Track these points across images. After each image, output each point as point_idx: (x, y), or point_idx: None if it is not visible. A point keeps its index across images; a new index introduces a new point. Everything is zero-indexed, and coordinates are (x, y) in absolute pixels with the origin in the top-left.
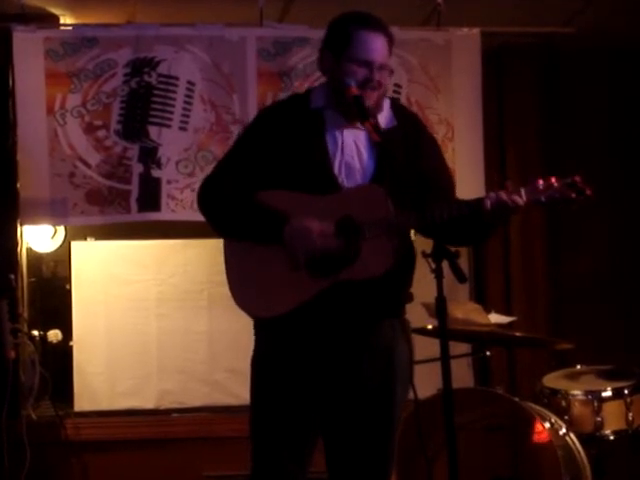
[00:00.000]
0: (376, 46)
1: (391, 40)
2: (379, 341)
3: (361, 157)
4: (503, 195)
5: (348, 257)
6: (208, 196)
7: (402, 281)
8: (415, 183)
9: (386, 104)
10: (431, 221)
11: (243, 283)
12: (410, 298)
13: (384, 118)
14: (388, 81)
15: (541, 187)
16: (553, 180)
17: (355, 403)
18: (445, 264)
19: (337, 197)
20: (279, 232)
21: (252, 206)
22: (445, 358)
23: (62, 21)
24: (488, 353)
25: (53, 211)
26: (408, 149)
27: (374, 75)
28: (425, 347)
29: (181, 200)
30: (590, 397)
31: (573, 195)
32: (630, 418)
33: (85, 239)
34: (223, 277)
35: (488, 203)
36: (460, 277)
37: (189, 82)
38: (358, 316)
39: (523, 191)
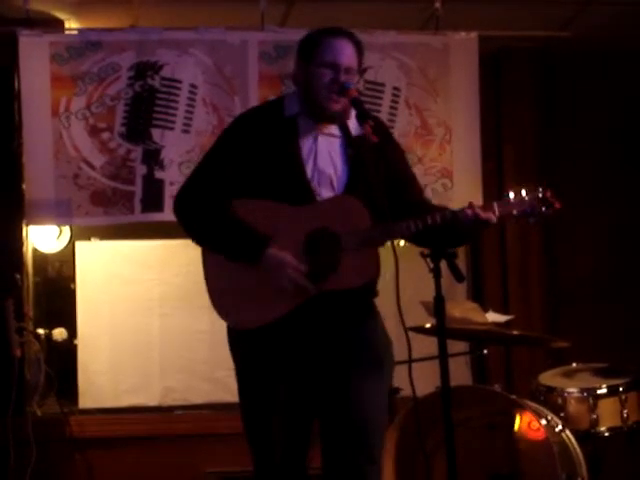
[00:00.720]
0: (342, 50)
1: (360, 49)
2: (360, 335)
3: (335, 164)
4: (477, 210)
5: (327, 269)
6: (185, 208)
7: (372, 285)
8: (385, 189)
9: (353, 111)
10: (407, 233)
11: (224, 293)
12: (376, 293)
13: (353, 125)
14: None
15: (513, 201)
16: (523, 193)
17: (347, 404)
18: (443, 264)
19: (313, 208)
20: (256, 259)
21: (230, 225)
22: (443, 356)
23: (67, 26)
24: (485, 351)
25: (58, 212)
26: (377, 156)
27: (340, 77)
28: (423, 346)
29: None
30: (585, 394)
31: (543, 209)
32: (625, 415)
33: (89, 239)
34: None
35: (464, 216)
36: (458, 276)
37: (192, 85)
38: (335, 325)
39: (496, 205)
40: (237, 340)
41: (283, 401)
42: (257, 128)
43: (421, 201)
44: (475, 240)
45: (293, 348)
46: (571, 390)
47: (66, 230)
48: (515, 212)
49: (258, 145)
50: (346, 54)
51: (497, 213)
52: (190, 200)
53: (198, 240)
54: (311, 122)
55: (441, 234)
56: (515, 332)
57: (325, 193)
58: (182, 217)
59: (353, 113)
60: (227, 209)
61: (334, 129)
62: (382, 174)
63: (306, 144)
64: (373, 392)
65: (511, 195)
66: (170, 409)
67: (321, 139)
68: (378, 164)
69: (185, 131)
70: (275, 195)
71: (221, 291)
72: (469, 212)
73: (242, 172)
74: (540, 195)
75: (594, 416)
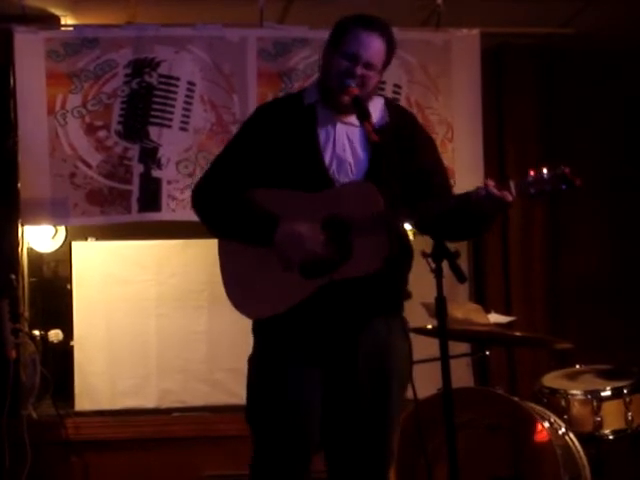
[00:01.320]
0: (367, 43)
1: (390, 44)
2: (374, 339)
3: (354, 151)
4: (493, 189)
5: (340, 257)
6: (203, 197)
7: (396, 278)
8: (408, 180)
9: (379, 102)
10: (422, 216)
11: (237, 283)
12: (408, 295)
13: (376, 116)
14: (374, 81)
15: (531, 180)
16: (544, 171)
17: (352, 402)
18: (445, 264)
19: (328, 194)
20: (270, 236)
21: (244, 208)
22: (445, 358)
23: (63, 22)
24: (487, 353)
25: (54, 211)
26: (401, 146)
27: (356, 69)
28: (425, 347)
29: (181, 200)
30: (589, 397)
31: (563, 186)
32: (629, 418)
33: (86, 239)
34: None
35: (477, 197)
36: (460, 277)
37: (189, 82)
38: (352, 314)
39: (512, 184)
40: (256, 328)
41: (292, 399)
42: (276, 117)
43: (448, 195)
44: (492, 224)
45: (304, 340)
46: (574, 392)
47: (62, 230)
48: (533, 191)
49: (276, 134)
50: (371, 48)
51: (514, 192)
52: (208, 190)
53: (214, 229)
54: (330, 111)
55: (456, 219)
56: (517, 333)
57: (344, 180)
58: (199, 207)
59: (380, 103)
60: (243, 196)
61: (353, 118)
62: (406, 165)
63: (324, 131)
64: (381, 417)
65: (531, 174)
66: (167, 411)
67: (340, 126)
68: (402, 155)
69: (183, 129)
70: (294, 184)
71: (234, 281)
72: (482, 192)
73: (261, 162)
74: (560, 173)
75: (598, 418)
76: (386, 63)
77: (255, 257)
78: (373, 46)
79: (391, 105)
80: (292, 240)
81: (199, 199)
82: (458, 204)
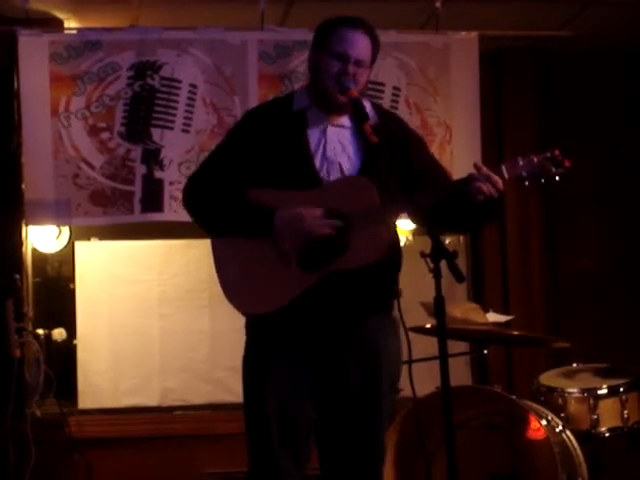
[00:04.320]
0: (354, 41)
1: (374, 41)
2: (365, 337)
3: (347, 153)
4: (484, 170)
5: (338, 248)
6: (193, 194)
7: (388, 276)
8: (404, 179)
9: (367, 104)
10: (418, 206)
11: (234, 281)
12: (398, 294)
13: (369, 114)
14: (365, 79)
15: (521, 163)
16: (532, 156)
17: (342, 399)
18: (443, 264)
19: (322, 190)
20: (269, 223)
21: (239, 200)
22: (443, 357)
23: (66, 25)
24: (486, 352)
25: (57, 212)
26: (394, 147)
27: (348, 69)
28: (424, 346)
29: None
30: (586, 395)
31: (553, 168)
32: (625, 415)
33: (89, 239)
34: None
35: (469, 181)
36: (458, 277)
37: (191, 85)
38: (345, 310)
39: (504, 168)
40: (249, 325)
41: (285, 396)
42: (265, 122)
43: None
44: (486, 215)
45: (300, 335)
46: (571, 390)
47: (65, 230)
48: (524, 174)
49: (266, 139)
50: (358, 46)
51: (506, 175)
52: (199, 187)
53: (208, 225)
54: (322, 114)
55: (451, 208)
56: (515, 332)
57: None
58: (191, 204)
59: (368, 104)
60: (236, 192)
61: (345, 120)
62: (399, 165)
63: (315, 135)
64: (370, 415)
65: (519, 158)
66: (170, 409)
67: (330, 130)
68: (395, 156)
69: (185, 131)
70: (284, 187)
71: (230, 279)
72: (474, 175)
73: (251, 165)
74: (549, 155)
75: (594, 416)
76: (373, 60)
77: (252, 254)
78: (360, 43)
79: (377, 106)
80: (292, 219)
81: (190, 196)
82: (452, 191)
